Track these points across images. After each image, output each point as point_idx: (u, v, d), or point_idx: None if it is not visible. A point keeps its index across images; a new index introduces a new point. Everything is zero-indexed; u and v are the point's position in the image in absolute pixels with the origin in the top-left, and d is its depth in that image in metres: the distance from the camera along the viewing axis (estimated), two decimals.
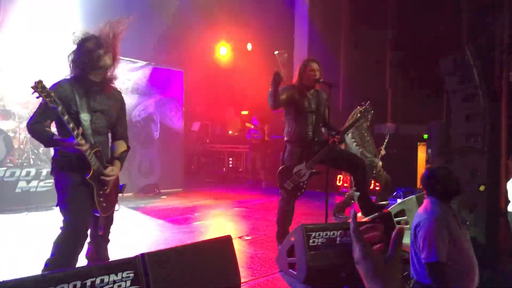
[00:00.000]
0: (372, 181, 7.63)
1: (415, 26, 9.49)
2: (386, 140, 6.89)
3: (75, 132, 3.02)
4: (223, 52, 13.62)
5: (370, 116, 6.36)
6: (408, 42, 9.70)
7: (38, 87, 2.81)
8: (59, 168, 3.24)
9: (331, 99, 4.94)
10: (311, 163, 4.65)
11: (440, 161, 7.02)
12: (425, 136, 8.42)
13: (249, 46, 13.30)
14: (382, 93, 10.04)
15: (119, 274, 2.68)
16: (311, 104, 4.77)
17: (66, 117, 2.98)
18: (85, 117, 3.21)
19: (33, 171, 7.07)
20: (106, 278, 2.61)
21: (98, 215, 3.36)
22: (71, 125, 3.00)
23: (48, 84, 3.03)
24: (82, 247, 3.22)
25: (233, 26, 13.23)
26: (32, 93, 2.84)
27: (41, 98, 2.87)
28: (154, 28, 10.51)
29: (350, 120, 6.09)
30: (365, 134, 6.50)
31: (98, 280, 2.57)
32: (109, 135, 3.56)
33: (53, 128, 3.24)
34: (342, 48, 10.60)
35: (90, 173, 3.16)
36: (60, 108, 2.94)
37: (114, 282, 2.65)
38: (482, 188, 5.89)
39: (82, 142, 3.04)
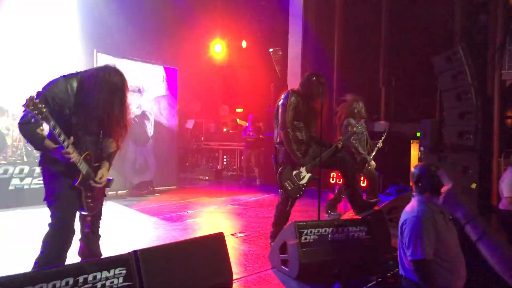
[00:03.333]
0: (362, 178, 7.66)
1: (408, 25, 9.53)
2: (384, 136, 6.92)
3: (65, 143, 3.01)
4: (218, 49, 13.61)
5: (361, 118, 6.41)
6: (402, 41, 9.73)
7: (30, 105, 2.77)
8: (48, 163, 3.23)
9: (324, 98, 4.97)
10: (310, 167, 4.70)
11: (433, 159, 7.06)
12: (418, 134, 8.46)
13: (244, 44, 13.29)
14: (376, 91, 10.07)
15: (112, 271, 2.70)
16: (310, 113, 4.84)
17: (57, 131, 2.96)
18: (77, 118, 3.19)
19: (26, 168, 7.06)
20: (98, 275, 2.63)
21: (84, 213, 3.37)
22: (61, 137, 2.99)
23: (44, 82, 3.03)
24: (71, 243, 3.22)
25: (228, 24, 13.23)
26: (23, 111, 2.82)
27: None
28: (149, 25, 10.50)
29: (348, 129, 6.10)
30: (363, 131, 6.52)
31: (90, 277, 2.59)
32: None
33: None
34: (336, 46, 10.61)
35: (79, 179, 3.16)
36: (52, 123, 2.91)
37: (107, 278, 2.67)
38: (473, 185, 5.95)
39: (71, 151, 3.04)
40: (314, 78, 4.82)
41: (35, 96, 2.81)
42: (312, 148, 4.83)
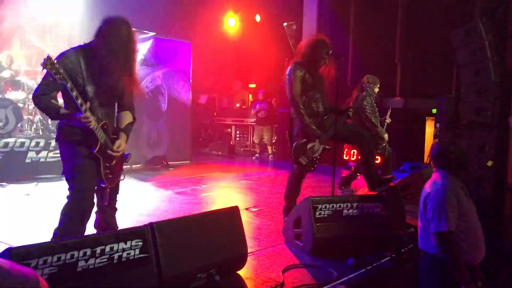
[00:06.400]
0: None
1: None
2: (389, 112, 6.89)
3: (83, 107, 3.03)
4: (231, 23, 13.45)
5: (375, 88, 6.37)
6: (419, 15, 9.52)
7: (47, 64, 2.80)
8: (64, 136, 3.23)
9: (340, 71, 4.89)
10: (323, 139, 4.66)
11: (449, 135, 6.98)
12: (434, 110, 8.35)
13: (258, 18, 13.11)
14: (391, 67, 9.92)
15: (128, 243, 2.73)
16: (319, 81, 4.75)
17: (74, 93, 2.97)
18: (91, 89, 3.20)
19: (42, 141, 7.13)
20: (115, 246, 2.66)
21: (104, 185, 3.39)
22: (79, 101, 3.00)
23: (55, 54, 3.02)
24: (89, 215, 3.26)
25: None
26: (42, 70, 2.85)
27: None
28: None
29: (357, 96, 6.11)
30: (375, 105, 6.49)
31: (107, 248, 2.62)
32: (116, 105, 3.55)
33: (60, 100, 3.25)
34: (352, 21, 10.43)
35: (97, 147, 3.17)
36: (69, 84, 2.93)
37: (123, 250, 2.70)
38: (489, 163, 5.88)
39: (89, 116, 3.04)
40: (315, 45, 4.68)
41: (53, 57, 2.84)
42: (325, 118, 4.78)
